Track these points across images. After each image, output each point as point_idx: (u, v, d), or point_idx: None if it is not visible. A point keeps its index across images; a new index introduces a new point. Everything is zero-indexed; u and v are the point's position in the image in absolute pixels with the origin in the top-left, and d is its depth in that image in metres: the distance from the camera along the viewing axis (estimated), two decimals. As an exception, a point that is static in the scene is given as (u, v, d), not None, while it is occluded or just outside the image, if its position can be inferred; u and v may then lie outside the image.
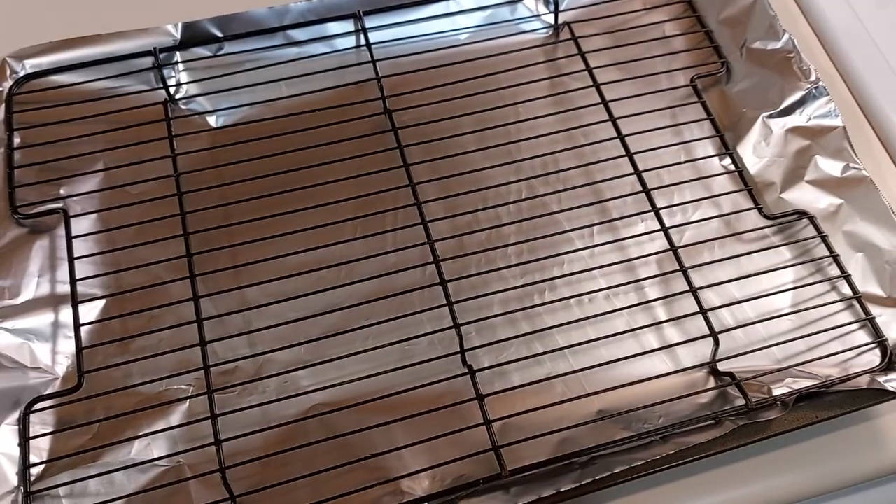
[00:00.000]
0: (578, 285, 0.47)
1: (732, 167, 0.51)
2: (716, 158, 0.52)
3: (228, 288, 0.45)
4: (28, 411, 0.41)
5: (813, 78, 0.52)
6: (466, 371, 0.43)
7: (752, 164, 0.51)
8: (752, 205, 0.50)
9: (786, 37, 0.53)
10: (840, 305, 0.46)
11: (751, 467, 0.42)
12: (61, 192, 0.48)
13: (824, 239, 0.48)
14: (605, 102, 0.52)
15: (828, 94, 0.51)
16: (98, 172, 0.49)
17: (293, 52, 0.54)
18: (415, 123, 0.51)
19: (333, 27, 0.54)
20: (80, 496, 0.40)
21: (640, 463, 0.40)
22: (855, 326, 0.46)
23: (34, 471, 0.40)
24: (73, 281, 0.44)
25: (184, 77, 0.52)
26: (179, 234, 0.46)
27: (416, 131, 0.51)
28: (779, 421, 0.41)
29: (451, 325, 0.44)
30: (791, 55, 0.52)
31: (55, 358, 0.43)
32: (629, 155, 0.50)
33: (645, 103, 0.53)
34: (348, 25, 0.54)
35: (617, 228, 0.49)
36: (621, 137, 0.50)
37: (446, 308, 0.44)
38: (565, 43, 0.56)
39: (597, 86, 0.52)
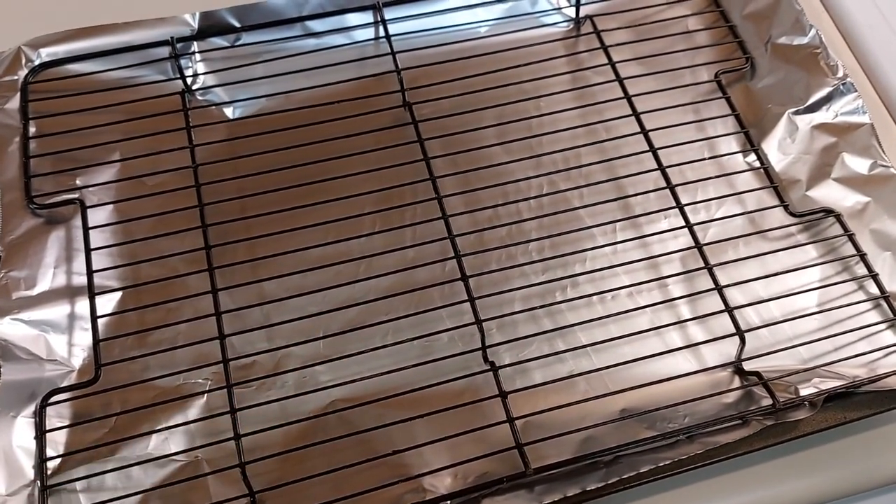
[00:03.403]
0: (601, 282, 0.46)
1: (757, 164, 0.50)
2: (740, 155, 0.51)
3: (246, 281, 0.45)
4: (44, 404, 0.40)
5: (840, 74, 0.51)
6: (488, 368, 0.42)
7: (777, 161, 0.50)
8: (777, 202, 0.49)
9: (812, 32, 0.52)
10: (867, 305, 0.46)
11: (779, 467, 0.41)
12: (77, 182, 0.47)
13: (851, 237, 0.47)
14: (628, 97, 0.51)
15: (855, 91, 0.50)
16: (115, 163, 0.48)
17: (311, 43, 0.53)
18: (434, 117, 0.50)
19: (352, 18, 0.54)
20: (97, 490, 0.39)
21: (666, 462, 0.39)
22: (883, 326, 0.45)
23: (51, 464, 0.39)
24: (90, 272, 0.43)
25: (201, 67, 0.52)
26: (197, 226, 0.45)
27: (435, 125, 0.50)
28: (807, 421, 0.41)
29: (472, 321, 0.43)
30: (818, 51, 0.52)
31: (71, 350, 0.42)
32: (653, 150, 0.49)
33: (668, 98, 0.52)
34: (367, 17, 0.54)
35: (640, 225, 0.48)
36: (645, 133, 0.50)
37: (467, 304, 0.44)
38: (587, 37, 0.55)
39: (620, 80, 0.52)
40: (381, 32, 0.53)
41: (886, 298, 0.45)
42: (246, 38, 0.52)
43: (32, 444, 0.39)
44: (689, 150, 0.50)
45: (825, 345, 0.44)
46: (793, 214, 0.48)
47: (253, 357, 0.43)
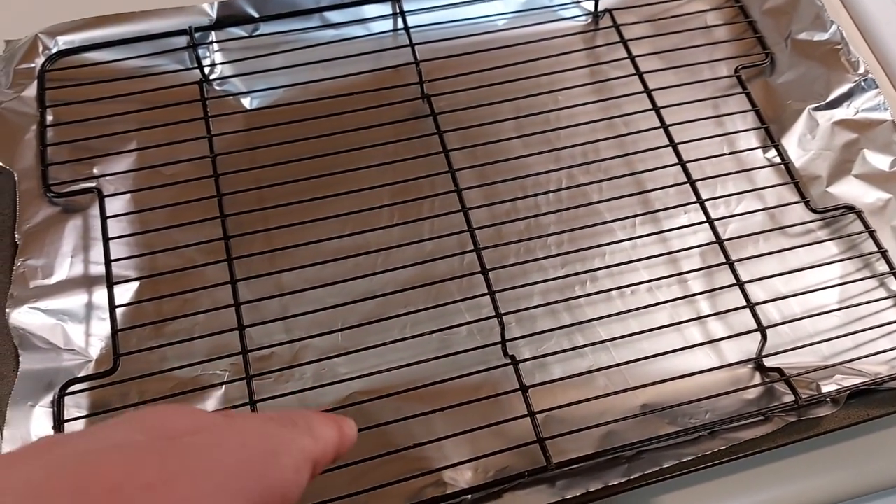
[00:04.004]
0: (620, 277, 0.46)
1: (777, 160, 0.50)
2: (760, 151, 0.51)
3: (264, 272, 0.44)
4: (62, 394, 0.40)
5: (861, 70, 0.51)
6: (508, 362, 0.42)
7: (798, 157, 0.50)
8: (797, 198, 0.49)
9: (833, 28, 0.52)
10: (888, 302, 0.46)
11: (802, 464, 0.41)
12: (94, 171, 0.47)
13: (872, 234, 0.47)
14: (647, 91, 0.51)
15: (877, 87, 0.50)
16: (132, 152, 0.48)
17: (329, 34, 0.53)
18: (452, 109, 0.50)
19: (370, 10, 0.53)
20: (115, 481, 0.39)
21: (689, 458, 0.39)
22: (904, 324, 0.45)
23: (68, 454, 0.39)
24: (109, 262, 0.43)
25: (218, 57, 0.51)
26: (216, 217, 0.45)
27: (453, 117, 0.50)
28: (829, 418, 0.41)
29: (492, 314, 0.43)
30: (839, 47, 0.51)
31: (89, 340, 0.42)
32: (673, 145, 0.49)
33: (687, 93, 0.52)
34: (386, 8, 0.53)
35: (659, 220, 0.48)
36: (665, 127, 0.49)
37: (485, 297, 0.43)
38: (605, 30, 0.55)
39: (639, 74, 0.51)
40: (400, 24, 0.53)
41: (908, 296, 0.45)
42: (264, 28, 0.52)
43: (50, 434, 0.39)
44: (708, 146, 0.50)
45: (846, 342, 0.44)
46: (813, 211, 0.48)
47: (271, 349, 0.43)
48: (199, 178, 0.46)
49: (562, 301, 0.45)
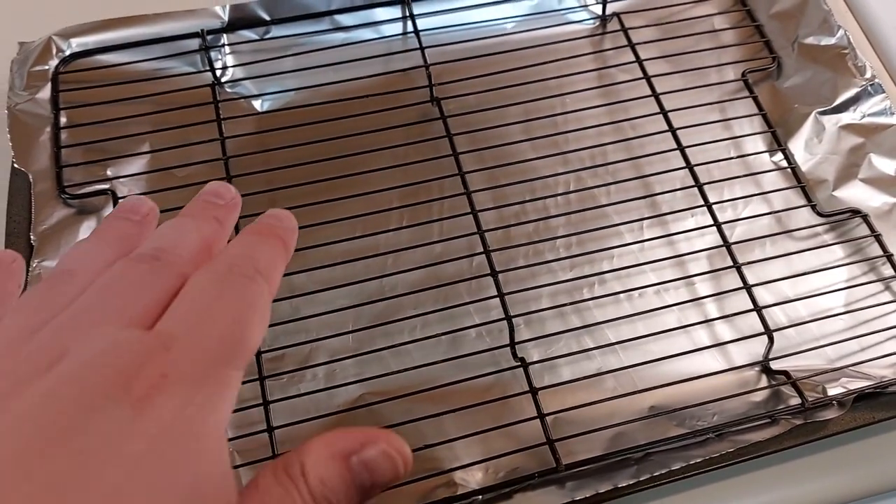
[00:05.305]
0: (628, 280, 0.46)
1: (784, 163, 0.50)
2: (766, 154, 0.51)
3: (276, 274, 0.45)
4: (78, 394, 0.40)
5: (868, 75, 0.51)
6: (518, 364, 0.42)
7: (804, 161, 0.50)
8: (803, 202, 0.49)
9: (840, 32, 0.52)
10: (894, 306, 0.46)
11: (807, 466, 0.41)
12: (108, 172, 0.47)
13: (878, 238, 0.47)
14: (655, 95, 0.51)
15: (883, 92, 0.50)
16: (144, 154, 0.48)
17: (340, 37, 0.53)
18: (461, 112, 0.50)
19: (381, 13, 0.54)
20: (130, 481, 0.39)
21: (697, 460, 0.39)
22: (909, 327, 0.45)
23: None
24: (122, 263, 0.43)
25: (230, 60, 0.52)
26: (228, 219, 0.45)
27: (461, 120, 0.50)
28: (836, 421, 0.41)
29: (501, 316, 0.43)
30: (846, 51, 0.52)
31: (103, 341, 0.42)
32: (681, 149, 0.49)
33: (694, 97, 0.52)
34: (395, 12, 0.54)
35: (667, 223, 0.49)
36: (673, 131, 0.50)
37: (494, 299, 0.44)
38: (613, 34, 0.55)
39: (647, 78, 0.52)
40: (409, 27, 0.53)
41: (913, 299, 0.46)
42: (275, 31, 0.52)
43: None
44: (715, 149, 0.51)
45: (852, 345, 0.44)
46: (820, 214, 0.49)
47: (283, 350, 0.43)
48: (211, 179, 0.46)
49: (570, 303, 0.45)
